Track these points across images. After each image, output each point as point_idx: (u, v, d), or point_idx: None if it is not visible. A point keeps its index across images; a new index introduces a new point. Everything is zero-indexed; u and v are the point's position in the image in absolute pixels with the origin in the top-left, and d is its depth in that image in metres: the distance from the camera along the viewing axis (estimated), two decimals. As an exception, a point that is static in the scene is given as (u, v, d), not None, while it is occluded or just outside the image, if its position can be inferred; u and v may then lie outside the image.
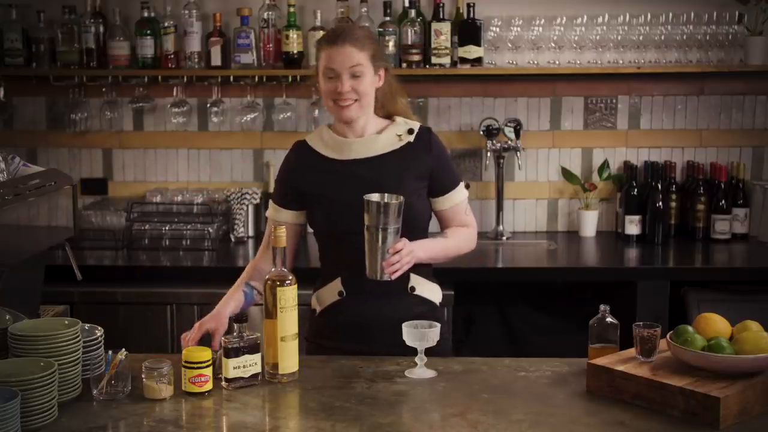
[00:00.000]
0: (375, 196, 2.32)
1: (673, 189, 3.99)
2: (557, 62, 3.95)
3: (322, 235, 2.57)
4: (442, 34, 3.86)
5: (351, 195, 2.39)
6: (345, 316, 2.50)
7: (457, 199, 2.57)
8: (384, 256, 2.31)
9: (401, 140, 2.53)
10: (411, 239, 2.38)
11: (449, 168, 2.60)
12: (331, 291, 2.52)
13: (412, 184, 2.49)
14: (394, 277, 2.34)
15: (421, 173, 2.52)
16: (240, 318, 2.19)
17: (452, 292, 3.25)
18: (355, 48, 2.43)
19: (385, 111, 2.57)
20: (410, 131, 2.54)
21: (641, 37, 3.93)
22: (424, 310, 2.50)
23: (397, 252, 2.32)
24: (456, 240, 2.56)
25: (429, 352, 2.25)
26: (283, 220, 2.54)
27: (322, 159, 2.53)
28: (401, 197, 2.32)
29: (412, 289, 2.50)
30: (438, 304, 2.58)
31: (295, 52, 3.89)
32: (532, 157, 4.13)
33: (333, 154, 2.53)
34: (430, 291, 2.55)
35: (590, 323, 2.24)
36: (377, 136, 2.53)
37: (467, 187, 2.62)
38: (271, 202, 2.61)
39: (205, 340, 2.36)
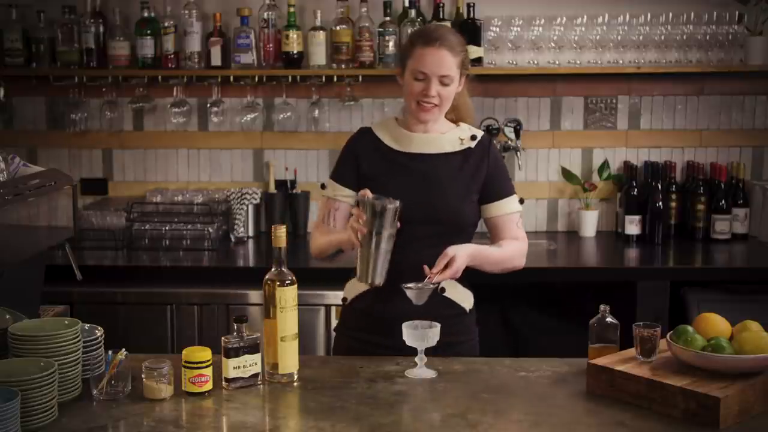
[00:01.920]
0: (371, 198, 2.32)
1: (673, 189, 3.99)
2: (557, 62, 3.96)
3: None
4: (442, 34, 3.85)
5: (398, 185, 2.43)
6: (372, 308, 2.51)
7: (509, 209, 2.57)
8: (376, 261, 2.32)
9: (462, 144, 2.56)
10: (456, 243, 2.40)
11: (504, 177, 2.61)
12: None
13: (463, 187, 2.52)
14: (436, 279, 2.34)
15: (475, 177, 2.54)
16: (240, 318, 2.19)
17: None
18: (450, 54, 2.45)
19: (454, 113, 2.59)
20: (473, 137, 2.58)
21: (641, 37, 3.93)
22: (453, 313, 2.51)
23: (447, 263, 2.34)
24: (510, 251, 2.55)
25: (430, 351, 2.26)
26: (341, 198, 2.56)
27: (383, 147, 2.57)
28: (397, 202, 2.32)
29: (442, 290, 2.49)
30: (468, 310, 2.57)
31: (295, 52, 3.89)
32: (532, 157, 4.13)
33: (395, 144, 2.57)
34: (461, 296, 2.55)
35: (590, 323, 2.24)
36: (440, 136, 2.56)
37: (521, 202, 2.62)
38: (330, 180, 2.62)
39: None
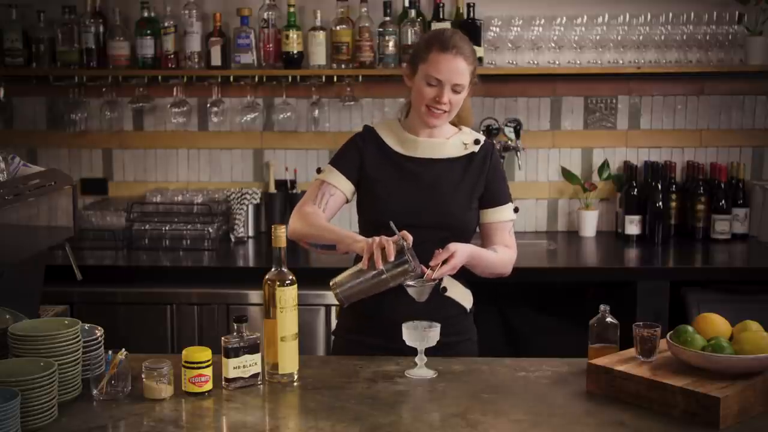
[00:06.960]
0: (405, 245, 2.24)
1: (673, 189, 4.00)
2: (557, 62, 3.96)
3: (365, 224, 2.57)
4: (442, 34, 3.85)
5: (404, 190, 2.42)
6: (374, 311, 2.48)
7: (504, 217, 2.58)
8: (361, 289, 2.27)
9: (466, 149, 2.56)
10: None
11: (502, 184, 2.60)
12: None
13: (467, 193, 2.52)
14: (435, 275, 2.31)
15: (477, 183, 2.53)
16: (240, 318, 2.18)
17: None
18: (465, 63, 2.44)
19: (456, 117, 2.58)
20: (476, 142, 2.57)
21: (641, 37, 3.93)
22: (454, 313, 2.51)
23: (447, 257, 2.32)
24: (503, 258, 2.55)
25: (430, 351, 2.25)
26: (334, 183, 2.53)
27: (387, 150, 2.55)
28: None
29: (444, 290, 2.50)
30: (468, 310, 2.57)
31: (295, 52, 3.89)
32: (532, 157, 4.13)
33: (400, 148, 2.55)
34: (462, 295, 2.55)
35: (590, 323, 2.24)
36: (445, 141, 2.55)
37: (516, 210, 2.63)
38: (329, 165, 2.59)
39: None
